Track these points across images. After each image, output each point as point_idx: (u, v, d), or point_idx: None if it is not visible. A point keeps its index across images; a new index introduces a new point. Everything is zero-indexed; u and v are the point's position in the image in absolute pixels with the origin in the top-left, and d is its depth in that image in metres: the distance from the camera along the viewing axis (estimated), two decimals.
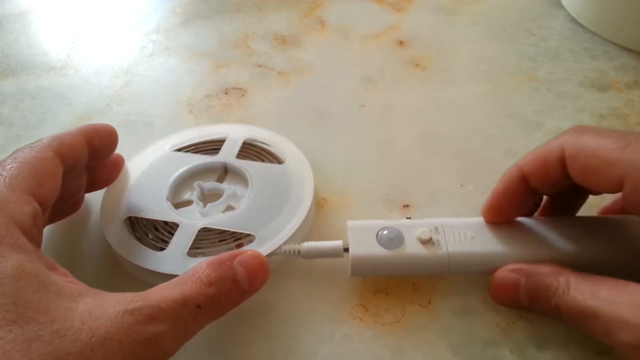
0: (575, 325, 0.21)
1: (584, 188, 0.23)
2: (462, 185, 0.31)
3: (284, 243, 0.26)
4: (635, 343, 0.19)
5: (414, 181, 0.31)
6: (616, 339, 0.19)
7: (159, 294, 0.20)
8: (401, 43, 0.42)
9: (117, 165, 0.30)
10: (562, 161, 0.23)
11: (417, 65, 0.40)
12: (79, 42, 0.44)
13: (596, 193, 0.26)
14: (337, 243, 0.25)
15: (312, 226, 0.29)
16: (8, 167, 0.22)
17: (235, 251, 0.23)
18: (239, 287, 0.22)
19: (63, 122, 0.36)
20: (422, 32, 0.43)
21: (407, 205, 0.30)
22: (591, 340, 0.24)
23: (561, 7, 0.45)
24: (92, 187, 0.29)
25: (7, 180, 0.22)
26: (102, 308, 0.19)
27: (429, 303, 0.26)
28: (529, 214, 0.26)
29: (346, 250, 0.25)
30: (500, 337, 0.24)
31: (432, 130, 0.35)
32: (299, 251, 0.25)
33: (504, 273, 0.24)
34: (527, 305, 0.23)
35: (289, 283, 0.26)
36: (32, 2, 0.49)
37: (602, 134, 0.22)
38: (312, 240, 0.26)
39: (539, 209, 0.27)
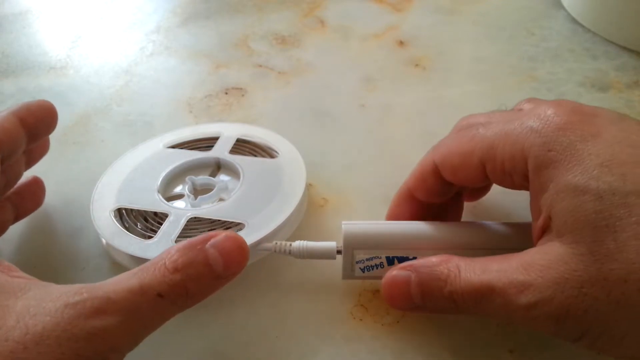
0: (475, 310, 0.20)
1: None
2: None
3: (276, 238, 0.26)
4: (531, 301, 0.18)
5: None
6: (514, 306, 0.19)
7: (113, 283, 0.19)
8: (401, 43, 0.42)
9: (39, 189, 0.28)
10: (436, 172, 0.24)
11: (417, 65, 0.40)
12: (79, 42, 0.44)
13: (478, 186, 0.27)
14: (331, 244, 0.25)
15: (311, 226, 0.29)
16: None
17: (208, 233, 0.21)
18: (212, 272, 0.20)
19: (63, 122, 0.36)
20: (422, 32, 0.43)
21: None
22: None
23: (561, 7, 0.45)
24: (17, 217, 0.28)
25: None
26: (43, 302, 0.18)
27: None
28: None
29: (339, 252, 0.25)
30: (500, 337, 0.24)
31: (432, 130, 0.35)
32: (289, 251, 0.25)
33: (394, 272, 0.23)
34: (421, 303, 0.22)
35: (288, 283, 0.26)
36: (32, 2, 0.49)
37: (460, 130, 0.24)
38: (310, 240, 0.25)
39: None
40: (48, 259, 0.28)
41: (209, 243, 0.20)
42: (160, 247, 0.25)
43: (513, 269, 0.19)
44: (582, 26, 0.43)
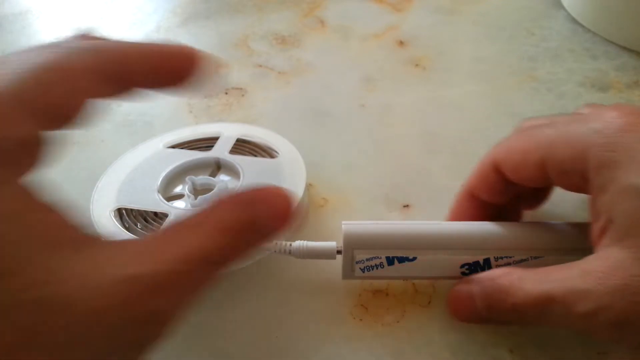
0: (537, 320, 0.21)
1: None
2: (462, 185, 0.31)
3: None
4: (590, 309, 0.18)
5: (414, 181, 0.31)
6: (573, 316, 0.19)
7: (168, 249, 0.16)
8: (401, 43, 0.42)
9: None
10: (498, 170, 0.24)
11: (417, 65, 0.40)
12: None
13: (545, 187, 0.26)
14: (331, 244, 0.25)
15: (311, 226, 0.29)
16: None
17: (256, 189, 0.18)
18: (257, 233, 0.18)
19: None
20: (422, 32, 0.43)
21: (407, 205, 0.30)
22: (591, 340, 0.24)
23: (561, 7, 0.45)
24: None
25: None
26: (94, 271, 0.15)
27: (429, 303, 0.26)
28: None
29: (339, 252, 0.25)
30: (500, 337, 0.24)
31: (432, 130, 0.35)
32: (290, 251, 0.25)
33: (457, 287, 0.23)
34: (487, 315, 0.22)
35: (288, 283, 0.26)
36: (32, 2, 0.49)
37: (522, 129, 0.24)
38: (310, 240, 0.26)
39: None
40: None
41: (257, 200, 0.18)
42: None
43: (572, 277, 0.19)
44: (582, 26, 0.43)
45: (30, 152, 0.16)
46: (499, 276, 0.22)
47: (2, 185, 0.15)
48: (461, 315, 0.23)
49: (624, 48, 0.40)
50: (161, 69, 0.19)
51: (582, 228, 0.24)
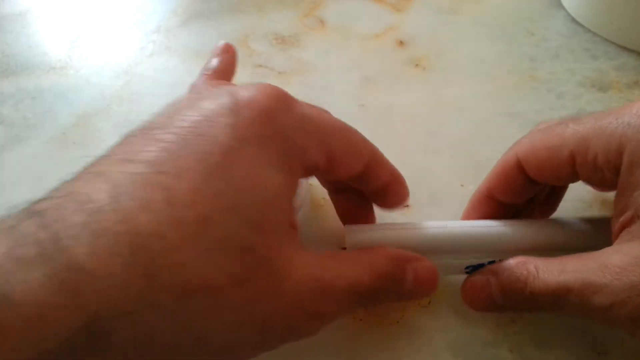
0: (553, 309, 0.21)
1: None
2: (462, 186, 0.31)
3: None
4: (607, 303, 0.18)
5: (414, 181, 0.31)
6: (590, 307, 0.19)
7: (337, 275, 0.20)
8: (401, 43, 0.42)
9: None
10: (520, 168, 0.24)
11: (417, 65, 0.40)
12: (79, 42, 0.44)
13: (562, 184, 0.26)
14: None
15: (310, 226, 0.29)
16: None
17: (413, 255, 0.22)
18: (400, 291, 0.21)
19: (63, 122, 0.36)
20: (422, 32, 0.43)
21: (407, 206, 0.30)
22: (591, 340, 0.24)
23: (561, 7, 0.45)
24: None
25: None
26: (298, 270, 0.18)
27: (429, 303, 0.26)
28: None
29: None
30: (500, 337, 0.24)
31: (432, 130, 0.35)
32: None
33: (473, 277, 0.23)
34: (503, 304, 0.22)
35: None
36: (32, 2, 0.49)
37: (546, 127, 0.24)
38: (309, 239, 0.25)
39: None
40: None
41: (410, 265, 0.22)
42: None
43: (589, 270, 0.19)
44: (582, 26, 0.43)
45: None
46: (516, 265, 0.22)
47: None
48: (477, 304, 0.23)
49: (624, 48, 0.40)
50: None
51: (593, 224, 0.24)
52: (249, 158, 0.18)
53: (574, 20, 0.44)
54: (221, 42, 0.28)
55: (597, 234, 0.24)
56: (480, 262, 0.24)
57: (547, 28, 0.43)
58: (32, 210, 0.16)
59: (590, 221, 0.24)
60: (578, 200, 0.29)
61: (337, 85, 0.39)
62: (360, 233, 0.24)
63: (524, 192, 0.25)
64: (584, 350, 0.24)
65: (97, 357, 0.15)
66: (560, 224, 0.24)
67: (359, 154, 0.22)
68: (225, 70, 0.27)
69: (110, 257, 0.15)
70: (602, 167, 0.21)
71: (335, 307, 0.19)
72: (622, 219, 0.20)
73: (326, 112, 0.23)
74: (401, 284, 0.21)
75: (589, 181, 0.22)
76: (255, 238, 0.17)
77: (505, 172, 0.24)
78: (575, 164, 0.22)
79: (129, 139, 0.19)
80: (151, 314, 0.15)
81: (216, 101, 0.19)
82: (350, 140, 0.22)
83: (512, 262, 0.22)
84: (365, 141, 0.23)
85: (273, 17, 0.46)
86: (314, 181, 0.31)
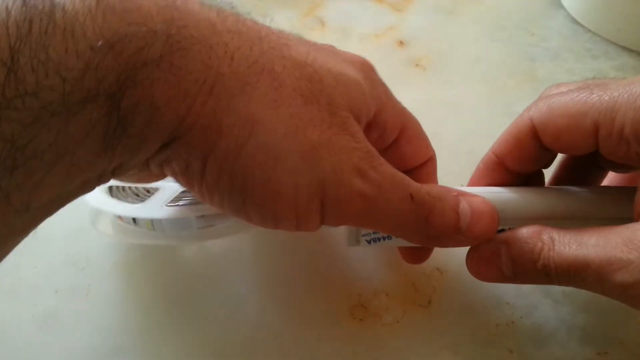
0: (567, 282, 0.19)
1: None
2: (462, 185, 0.31)
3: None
4: (632, 280, 0.17)
5: None
6: (611, 284, 0.18)
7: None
8: (401, 43, 0.42)
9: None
10: (535, 135, 0.22)
11: (417, 65, 0.40)
12: None
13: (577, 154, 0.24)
14: None
15: None
16: None
17: (467, 192, 0.21)
18: (455, 222, 0.20)
19: None
20: (422, 32, 0.43)
21: None
22: (591, 340, 0.24)
23: (561, 7, 0.45)
24: None
25: None
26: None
27: (429, 303, 0.26)
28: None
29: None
30: (500, 337, 0.24)
31: (431, 130, 0.35)
32: None
33: (482, 246, 0.21)
34: (511, 276, 0.21)
35: (288, 282, 0.26)
36: None
37: (567, 92, 0.22)
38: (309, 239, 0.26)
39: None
40: (48, 259, 0.28)
41: (465, 197, 0.21)
42: (151, 209, 0.24)
43: (612, 244, 0.18)
44: (582, 26, 0.43)
45: None
46: (530, 235, 0.20)
47: None
48: (484, 275, 0.22)
49: (624, 48, 0.40)
50: None
51: (612, 195, 0.22)
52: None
53: (574, 20, 0.44)
54: None
55: (616, 205, 0.22)
56: None
57: (547, 28, 0.43)
58: None
59: (609, 191, 0.23)
60: None
61: None
62: None
63: (536, 160, 0.23)
64: (584, 350, 0.24)
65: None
66: (577, 192, 0.23)
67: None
68: None
69: None
70: (629, 139, 0.19)
71: (378, 182, 0.19)
72: None
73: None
74: (456, 213, 0.20)
75: (611, 155, 0.21)
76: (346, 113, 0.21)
77: (517, 138, 0.23)
78: (598, 135, 0.20)
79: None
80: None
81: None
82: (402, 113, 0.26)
83: (526, 231, 0.20)
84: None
85: (273, 17, 0.46)
86: None
